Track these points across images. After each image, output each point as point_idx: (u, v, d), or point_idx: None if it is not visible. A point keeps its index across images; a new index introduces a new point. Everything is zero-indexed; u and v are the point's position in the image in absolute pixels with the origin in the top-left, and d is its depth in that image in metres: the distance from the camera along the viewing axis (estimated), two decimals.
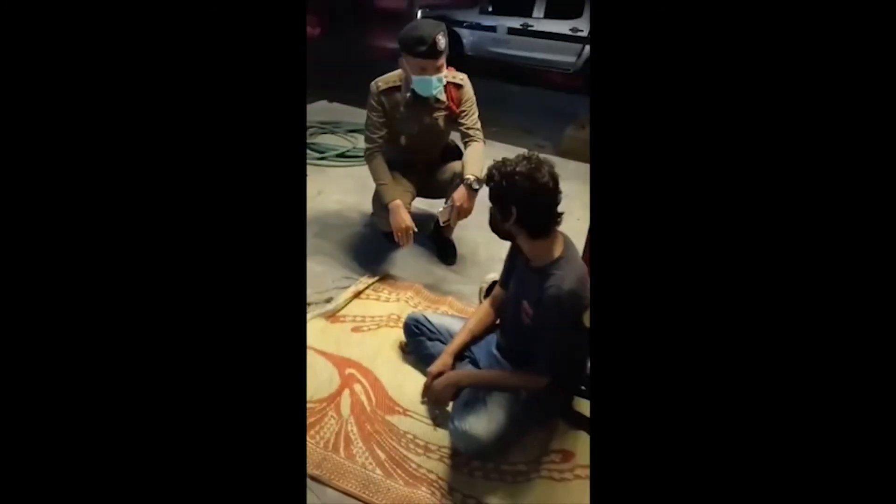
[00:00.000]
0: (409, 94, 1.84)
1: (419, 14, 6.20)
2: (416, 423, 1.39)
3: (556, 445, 1.35)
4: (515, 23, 5.79)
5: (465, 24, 5.97)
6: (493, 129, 3.97)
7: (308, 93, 3.09)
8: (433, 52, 1.71)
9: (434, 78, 1.76)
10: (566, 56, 5.68)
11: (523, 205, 1.20)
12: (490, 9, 5.97)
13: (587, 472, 1.28)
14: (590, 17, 5.50)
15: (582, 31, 5.53)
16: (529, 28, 5.76)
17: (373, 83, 1.86)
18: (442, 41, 1.72)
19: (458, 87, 1.91)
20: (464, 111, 1.91)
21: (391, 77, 1.86)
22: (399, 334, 1.61)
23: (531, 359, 1.30)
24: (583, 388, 1.48)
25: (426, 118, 1.90)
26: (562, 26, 5.62)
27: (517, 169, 1.18)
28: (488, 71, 5.88)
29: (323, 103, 3.31)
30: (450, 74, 1.88)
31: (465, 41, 6.00)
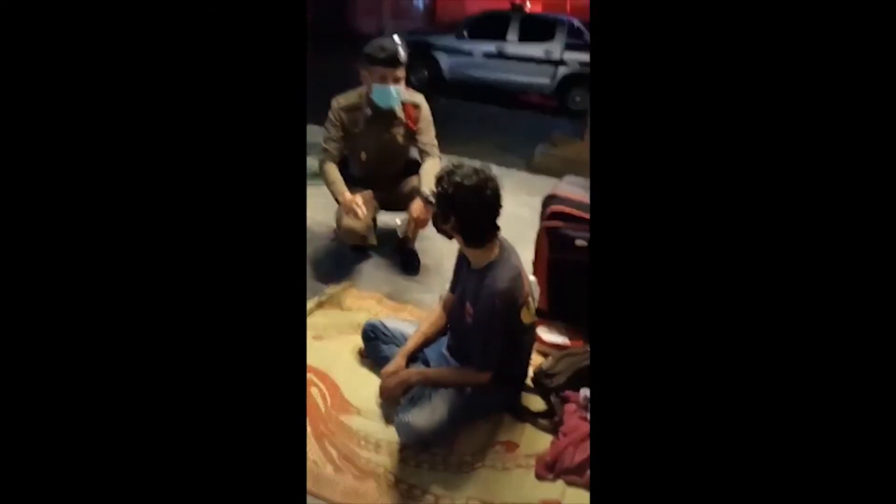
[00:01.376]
0: (368, 111, 1.95)
1: (395, 38, 6.40)
2: (369, 422, 1.45)
3: (501, 437, 1.42)
4: (491, 47, 6.00)
5: (441, 49, 6.17)
6: (471, 146, 4.12)
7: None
8: (393, 61, 1.83)
9: (392, 88, 1.88)
10: (541, 78, 5.88)
11: (463, 216, 1.30)
12: (465, 33, 6.19)
13: (530, 461, 1.35)
14: (591, 19, 5.70)
15: (554, 53, 5.74)
16: (505, 52, 5.97)
17: (333, 99, 1.98)
18: (402, 53, 1.85)
19: (416, 106, 2.03)
20: (421, 128, 2.03)
21: (352, 95, 1.98)
22: (359, 341, 1.69)
23: (472, 355, 1.38)
24: (530, 384, 1.56)
25: (385, 134, 2.01)
26: (536, 49, 5.84)
27: (464, 182, 1.27)
28: (467, 93, 6.08)
29: (312, 127, 3.44)
30: (408, 94, 2.00)
31: (443, 65, 6.19)
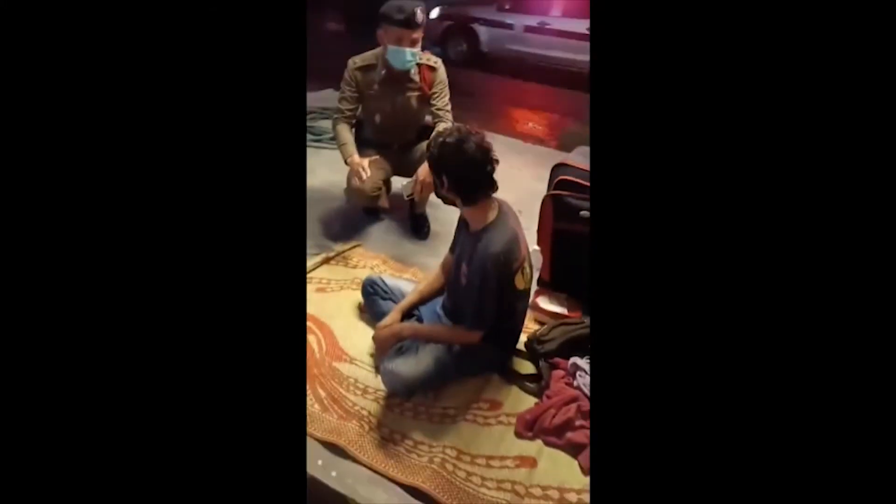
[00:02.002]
0: (383, 72, 1.97)
1: (437, 10, 6.34)
2: (360, 370, 1.51)
3: (486, 395, 1.45)
4: (532, 21, 5.86)
5: (481, 21, 6.07)
6: (501, 122, 4.08)
7: (322, 82, 3.21)
8: (410, 23, 1.83)
9: (408, 50, 1.88)
10: (583, 55, 5.70)
11: (452, 174, 1.32)
12: (507, 6, 6.06)
13: (511, 419, 1.38)
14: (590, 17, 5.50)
15: None
16: (547, 26, 5.82)
17: (350, 59, 2.00)
18: (420, 15, 1.84)
19: (432, 69, 2.03)
20: (435, 93, 2.03)
21: (368, 55, 2.00)
22: (359, 296, 1.74)
23: (464, 315, 1.41)
24: (522, 349, 1.58)
25: (399, 97, 2.02)
26: (579, 25, 5.66)
27: (446, 140, 1.29)
28: (505, 68, 5.98)
29: (329, 91, 3.49)
30: (424, 56, 2.00)
31: (481, 38, 6.09)
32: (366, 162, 1.93)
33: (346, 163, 1.99)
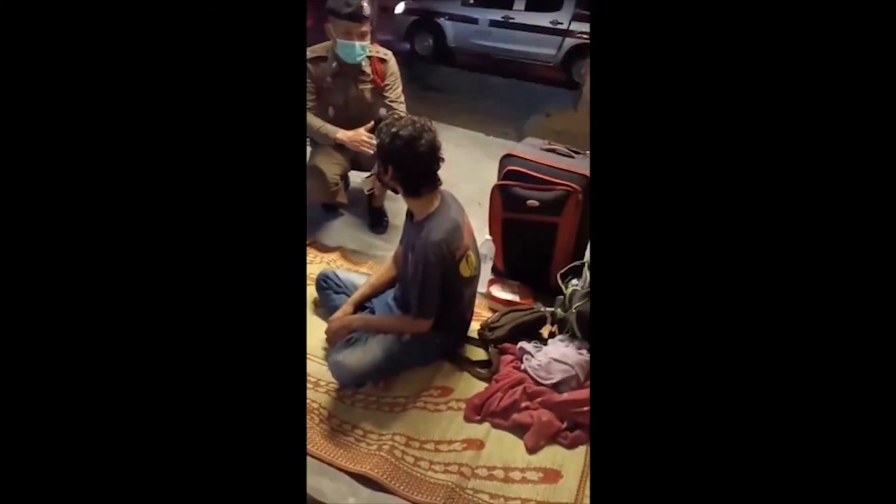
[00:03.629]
0: (335, 64, 1.97)
1: (402, 5, 6.32)
2: (314, 364, 1.52)
3: (437, 383, 1.48)
4: (497, 15, 5.89)
5: (447, 16, 6.08)
6: (464, 116, 4.11)
7: None
8: (357, 16, 1.84)
9: (357, 44, 1.89)
10: (547, 48, 5.77)
11: (399, 167, 1.33)
12: (472, 1, 6.08)
13: (460, 404, 1.41)
14: (590, 15, 5.57)
15: (562, 23, 5.62)
16: (511, 21, 5.86)
17: None
18: (366, 7, 1.85)
19: (383, 61, 2.04)
20: (388, 85, 2.05)
21: (318, 48, 1.99)
22: (314, 291, 1.75)
23: (410, 304, 1.43)
24: (472, 336, 1.62)
25: (352, 89, 2.03)
26: (542, 19, 5.72)
27: (400, 133, 1.30)
28: (471, 62, 6.01)
29: None
30: (374, 49, 2.02)
31: (447, 33, 6.11)
32: (363, 131, 1.94)
33: (335, 140, 1.97)
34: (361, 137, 1.95)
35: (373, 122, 2.01)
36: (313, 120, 2.01)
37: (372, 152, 1.92)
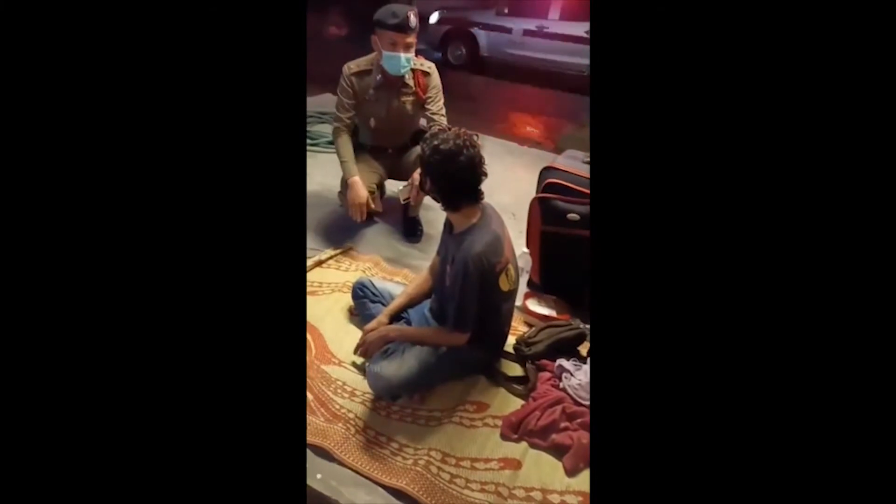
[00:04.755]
0: (378, 77, 1.99)
1: (436, 15, 6.37)
2: (348, 372, 1.52)
3: (473, 397, 1.45)
4: (531, 25, 5.88)
5: (480, 26, 6.10)
6: (499, 125, 4.10)
7: (322, 86, 3.23)
8: (404, 27, 1.85)
9: (403, 55, 1.90)
10: (582, 58, 5.72)
11: (439, 179, 1.33)
12: (506, 10, 6.09)
13: (497, 421, 1.39)
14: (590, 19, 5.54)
15: None
16: (545, 30, 5.84)
17: (345, 66, 2.02)
18: (413, 19, 1.86)
19: (426, 74, 2.05)
20: (430, 97, 2.05)
21: (363, 61, 2.02)
22: (350, 299, 1.75)
23: (447, 316, 1.42)
24: (509, 352, 1.59)
25: (394, 101, 2.04)
26: (577, 29, 5.67)
27: (441, 146, 1.30)
28: (504, 72, 6.00)
29: (327, 95, 3.52)
30: (418, 62, 2.02)
31: (480, 42, 6.12)
32: (364, 195, 1.97)
33: (345, 180, 2.01)
34: (362, 206, 1.97)
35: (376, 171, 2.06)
36: (343, 147, 2.03)
37: (360, 220, 2.00)
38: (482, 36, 6.12)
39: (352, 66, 2.02)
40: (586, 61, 5.69)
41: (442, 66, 2.06)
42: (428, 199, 2.01)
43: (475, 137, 1.35)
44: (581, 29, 5.64)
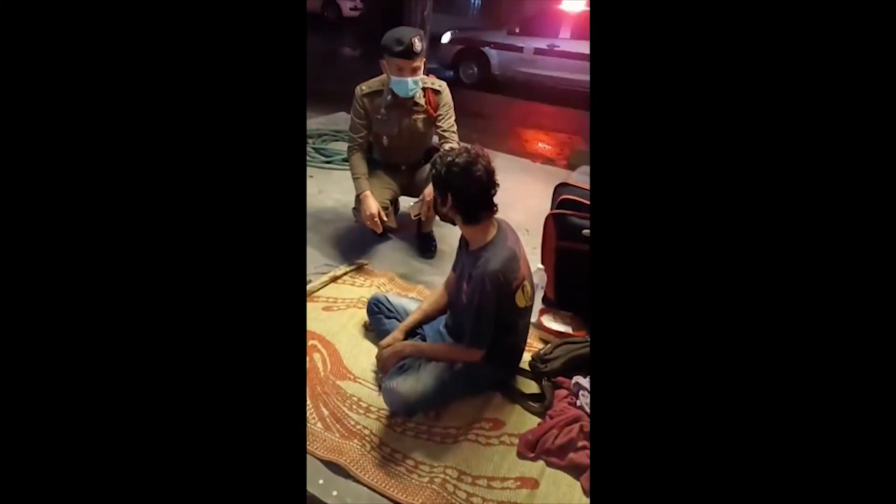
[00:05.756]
0: (389, 97, 2.03)
1: (448, 35, 6.48)
2: (364, 388, 1.52)
3: (489, 414, 1.44)
4: (542, 43, 5.96)
5: (492, 45, 6.19)
6: (511, 142, 4.13)
7: (336, 105, 3.33)
8: (409, 53, 1.89)
9: (410, 79, 1.94)
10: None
11: (458, 194, 1.34)
12: (517, 30, 6.18)
13: (513, 439, 1.37)
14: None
15: None
16: (556, 48, 5.91)
17: (358, 87, 2.06)
18: (418, 44, 1.90)
19: (437, 92, 2.08)
20: (441, 115, 2.08)
21: (374, 82, 2.06)
22: (365, 315, 1.76)
23: (464, 333, 1.42)
24: (525, 368, 1.58)
25: (405, 120, 2.07)
26: (586, 47, 5.73)
27: (456, 160, 1.32)
28: (516, 90, 6.07)
29: (342, 114, 3.59)
30: (429, 80, 2.06)
31: (492, 61, 6.21)
32: (376, 208, 2.00)
33: (357, 197, 2.05)
34: (375, 217, 2.00)
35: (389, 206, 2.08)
36: (357, 164, 2.07)
37: (379, 231, 2.03)
38: (494, 55, 6.21)
39: (363, 88, 2.06)
40: None
41: (454, 85, 2.10)
42: None
43: (482, 149, 1.37)
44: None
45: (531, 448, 1.34)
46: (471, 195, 1.34)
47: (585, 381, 1.47)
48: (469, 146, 1.37)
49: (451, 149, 1.39)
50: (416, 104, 2.06)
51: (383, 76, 2.03)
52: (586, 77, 5.78)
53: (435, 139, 2.16)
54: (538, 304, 1.83)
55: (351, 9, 10.18)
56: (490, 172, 1.34)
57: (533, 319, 1.73)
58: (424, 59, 1.98)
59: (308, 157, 2.97)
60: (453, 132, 2.08)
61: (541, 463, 1.31)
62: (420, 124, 2.09)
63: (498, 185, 1.36)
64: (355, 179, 2.05)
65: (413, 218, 2.03)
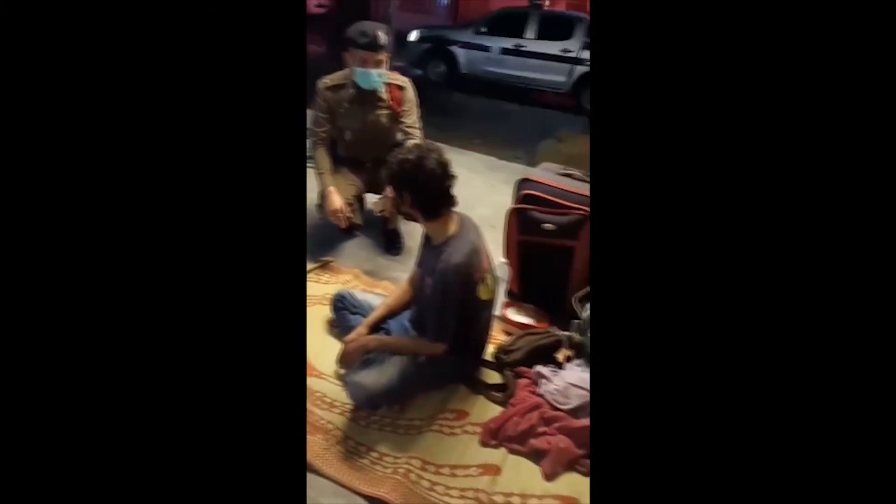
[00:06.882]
0: (352, 91, 2.03)
1: (415, 34, 6.49)
2: (328, 384, 1.52)
3: (453, 405, 1.47)
4: (508, 43, 6.03)
5: (459, 44, 6.23)
6: (477, 141, 4.16)
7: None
8: (373, 45, 1.90)
9: (374, 71, 1.95)
10: (557, 75, 5.88)
11: (414, 189, 1.36)
12: (484, 30, 6.23)
13: (476, 428, 1.40)
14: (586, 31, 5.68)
15: (572, 51, 5.74)
16: (522, 49, 5.99)
17: (320, 80, 2.05)
18: (382, 36, 1.91)
19: (401, 88, 2.09)
20: (405, 111, 2.09)
21: (337, 75, 2.05)
22: (329, 312, 1.76)
23: (427, 326, 1.43)
24: (488, 359, 1.61)
25: (369, 115, 2.08)
26: (553, 47, 5.84)
27: (407, 157, 1.34)
28: (482, 89, 6.12)
29: (308, 111, 3.56)
30: (393, 76, 2.07)
31: (460, 60, 6.25)
32: (340, 202, 2.00)
33: (321, 193, 2.04)
34: (339, 211, 2.01)
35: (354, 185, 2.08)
36: (321, 158, 2.07)
37: (343, 226, 2.04)
38: (461, 54, 6.25)
39: (326, 81, 2.05)
40: (561, 78, 5.86)
41: (422, 83, 2.11)
42: None
43: (434, 143, 1.39)
44: (556, 48, 5.81)
45: (493, 436, 1.37)
46: (427, 189, 1.36)
47: (546, 370, 1.51)
48: (419, 141, 1.38)
49: (401, 147, 1.40)
50: (380, 99, 2.07)
51: (347, 70, 2.03)
52: (550, 77, 5.90)
53: (399, 135, 2.17)
54: (503, 298, 1.87)
55: (316, 6, 10.05)
56: (444, 164, 1.35)
57: (497, 313, 1.77)
58: (388, 56, 1.99)
59: None
60: (417, 128, 2.10)
61: (502, 450, 1.34)
62: (384, 119, 2.10)
63: (454, 176, 1.38)
64: (319, 175, 2.04)
65: (377, 214, 2.04)
